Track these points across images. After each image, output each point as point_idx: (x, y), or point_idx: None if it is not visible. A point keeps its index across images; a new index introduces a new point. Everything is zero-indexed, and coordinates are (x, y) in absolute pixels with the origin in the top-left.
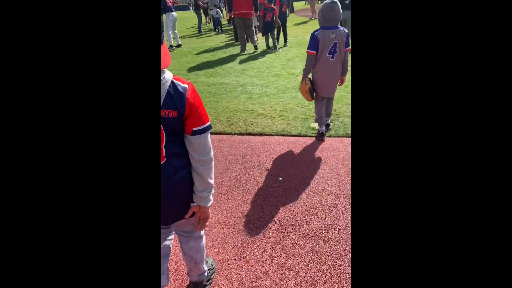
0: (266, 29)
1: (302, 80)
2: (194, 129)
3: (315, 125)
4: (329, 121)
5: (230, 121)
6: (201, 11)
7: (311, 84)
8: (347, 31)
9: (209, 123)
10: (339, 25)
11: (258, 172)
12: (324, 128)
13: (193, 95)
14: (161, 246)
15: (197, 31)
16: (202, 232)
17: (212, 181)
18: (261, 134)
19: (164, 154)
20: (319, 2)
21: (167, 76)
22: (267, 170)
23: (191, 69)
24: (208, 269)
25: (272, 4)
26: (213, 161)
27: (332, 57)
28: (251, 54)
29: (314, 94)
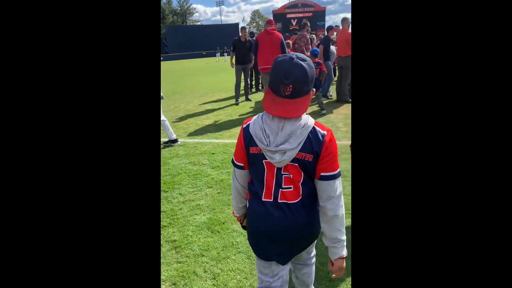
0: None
1: None
2: (322, 174)
3: None
4: None
5: None
6: None
7: None
8: None
9: (338, 170)
10: None
11: None
12: None
13: (331, 141)
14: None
15: None
16: (314, 260)
17: (340, 233)
18: None
19: (300, 192)
20: None
21: (310, 122)
22: None
23: None
24: None
25: (317, 58)
26: (341, 211)
27: None
28: None
29: None
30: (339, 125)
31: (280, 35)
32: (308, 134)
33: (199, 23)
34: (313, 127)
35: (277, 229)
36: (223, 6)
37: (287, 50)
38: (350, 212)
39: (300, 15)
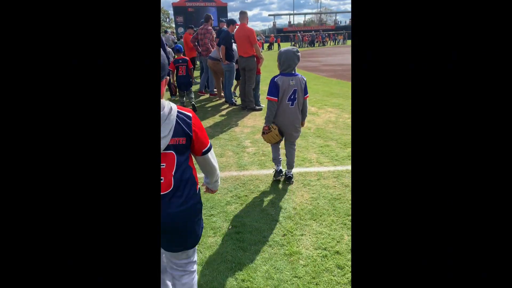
0: (181, 86)
1: (266, 127)
2: (203, 150)
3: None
4: (292, 173)
5: None
6: None
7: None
8: (305, 79)
9: (210, 142)
10: (297, 72)
11: None
12: (280, 166)
13: (197, 121)
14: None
15: None
16: (195, 267)
17: (218, 177)
18: None
19: (172, 182)
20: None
21: (174, 107)
22: None
23: None
24: None
25: (182, 54)
26: (218, 170)
27: (292, 104)
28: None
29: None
30: (245, 143)
31: None
32: (176, 119)
33: None
34: (178, 111)
35: None
36: None
37: (164, 40)
38: (351, 212)
39: None
